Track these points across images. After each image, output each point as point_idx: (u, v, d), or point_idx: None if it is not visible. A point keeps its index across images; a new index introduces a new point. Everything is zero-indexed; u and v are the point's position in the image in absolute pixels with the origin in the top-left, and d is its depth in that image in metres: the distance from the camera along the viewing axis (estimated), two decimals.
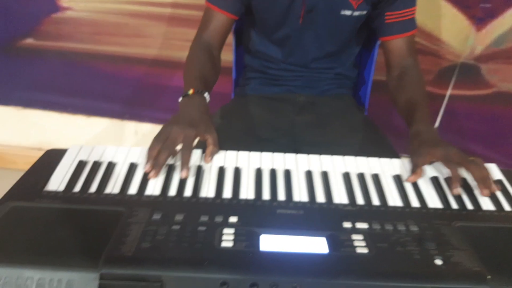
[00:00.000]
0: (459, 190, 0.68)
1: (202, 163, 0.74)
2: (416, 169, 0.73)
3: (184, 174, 0.69)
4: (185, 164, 0.70)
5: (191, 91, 0.83)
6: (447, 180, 0.72)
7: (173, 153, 0.72)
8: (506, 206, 0.67)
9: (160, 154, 0.71)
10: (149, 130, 1.70)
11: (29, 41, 1.52)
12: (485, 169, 0.71)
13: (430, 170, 0.75)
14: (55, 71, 1.59)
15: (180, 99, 0.83)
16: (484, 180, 0.69)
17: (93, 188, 0.68)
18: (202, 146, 0.77)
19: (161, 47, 1.49)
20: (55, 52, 1.54)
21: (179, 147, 0.73)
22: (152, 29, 1.45)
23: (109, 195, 0.67)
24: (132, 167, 0.73)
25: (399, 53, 0.95)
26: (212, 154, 0.74)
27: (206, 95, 0.84)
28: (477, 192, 0.70)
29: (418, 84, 0.93)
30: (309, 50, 0.98)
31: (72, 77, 1.60)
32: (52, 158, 0.76)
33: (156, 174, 0.70)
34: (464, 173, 0.72)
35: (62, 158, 0.75)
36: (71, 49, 1.53)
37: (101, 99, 1.65)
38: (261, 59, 1.04)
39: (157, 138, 0.74)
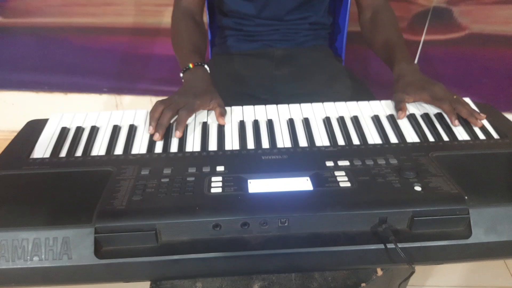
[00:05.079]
0: (457, 122, 0.73)
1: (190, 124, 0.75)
2: (401, 105, 0.76)
3: (178, 134, 0.70)
4: (180, 123, 0.71)
5: (191, 65, 0.83)
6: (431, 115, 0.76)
7: (175, 115, 0.73)
8: (480, 135, 0.70)
9: (163, 115, 0.72)
10: (130, 102, 1.69)
11: None
12: (468, 104, 0.76)
13: (408, 106, 0.78)
14: (27, 49, 1.55)
15: (181, 74, 0.84)
16: (472, 114, 0.73)
17: (79, 152, 0.69)
18: None
19: (134, 14, 1.46)
20: (25, 29, 1.50)
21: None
22: None
23: (96, 157, 0.67)
24: (116, 129, 0.73)
25: None
26: (222, 115, 0.75)
27: (206, 67, 0.85)
28: (451, 125, 0.73)
29: (392, 23, 0.95)
30: (283, 2, 0.98)
31: (45, 53, 1.56)
32: (34, 128, 0.76)
33: (161, 136, 0.71)
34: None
35: (45, 127, 0.75)
36: (41, 24, 1.49)
37: (77, 74, 1.62)
38: (235, 17, 1.03)
39: (161, 102, 0.75)
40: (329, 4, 1.06)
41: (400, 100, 0.78)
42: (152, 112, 0.73)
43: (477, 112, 0.75)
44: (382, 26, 0.94)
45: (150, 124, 0.72)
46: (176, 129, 0.71)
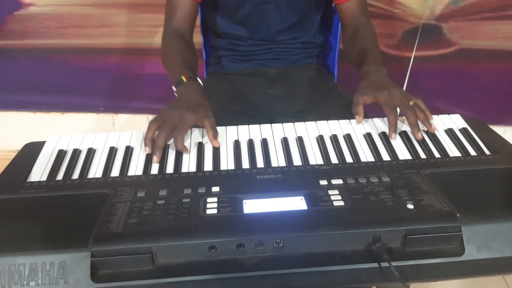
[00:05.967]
0: (394, 136, 0.74)
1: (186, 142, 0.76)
2: (356, 109, 0.79)
3: (185, 153, 0.72)
4: (178, 146, 0.72)
5: (184, 78, 0.83)
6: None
7: (170, 136, 0.73)
8: (471, 151, 0.71)
9: (158, 137, 0.72)
10: (127, 121, 1.70)
11: None
12: (422, 113, 0.76)
13: (399, 125, 0.79)
14: (25, 70, 1.57)
15: (174, 88, 0.84)
16: (416, 124, 0.74)
17: (76, 174, 0.69)
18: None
19: (129, 35, 1.48)
20: (23, 50, 1.52)
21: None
22: (118, 17, 1.44)
23: (92, 179, 0.68)
24: (113, 151, 0.74)
25: (352, 14, 1.00)
26: (215, 138, 0.75)
27: (199, 80, 0.86)
28: (444, 142, 0.74)
29: (370, 35, 0.97)
30: (272, 24, 1.00)
31: (42, 74, 1.58)
32: (31, 151, 0.77)
33: (159, 158, 0.71)
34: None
35: (42, 149, 0.76)
36: (38, 46, 1.51)
37: (74, 94, 1.64)
38: (228, 38, 1.05)
39: (155, 120, 0.75)
40: (320, 23, 1.09)
41: (356, 103, 0.79)
42: (147, 132, 0.74)
43: (428, 123, 0.76)
44: (360, 38, 0.96)
45: (145, 145, 0.73)
46: (182, 151, 0.72)
